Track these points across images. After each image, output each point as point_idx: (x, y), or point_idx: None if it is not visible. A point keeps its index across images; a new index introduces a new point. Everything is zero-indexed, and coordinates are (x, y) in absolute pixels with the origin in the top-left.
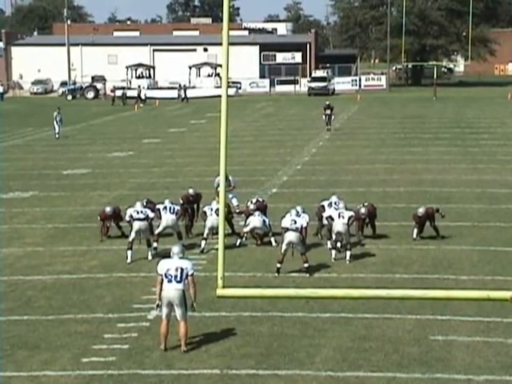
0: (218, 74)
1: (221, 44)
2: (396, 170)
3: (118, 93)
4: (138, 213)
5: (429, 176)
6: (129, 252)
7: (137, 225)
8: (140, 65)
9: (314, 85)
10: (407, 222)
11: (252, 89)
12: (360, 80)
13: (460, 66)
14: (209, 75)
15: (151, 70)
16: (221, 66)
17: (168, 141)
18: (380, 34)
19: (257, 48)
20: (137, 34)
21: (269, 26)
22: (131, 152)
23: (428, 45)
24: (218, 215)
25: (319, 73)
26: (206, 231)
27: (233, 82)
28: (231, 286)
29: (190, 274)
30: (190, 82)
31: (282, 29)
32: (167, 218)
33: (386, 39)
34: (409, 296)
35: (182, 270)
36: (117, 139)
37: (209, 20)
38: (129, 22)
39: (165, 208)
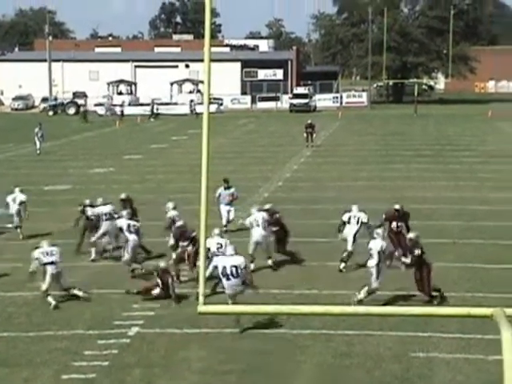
0: (199, 91)
1: (202, 60)
2: (378, 187)
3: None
4: (46, 254)
5: (410, 193)
6: (49, 298)
7: (49, 271)
8: (121, 81)
9: (295, 101)
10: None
11: (234, 105)
12: (341, 97)
13: (441, 83)
14: (190, 91)
15: (133, 87)
16: (202, 82)
17: (149, 157)
18: (361, 51)
19: (238, 64)
20: (118, 50)
21: (251, 42)
22: (112, 168)
23: (409, 62)
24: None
25: (301, 89)
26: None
27: (214, 99)
28: (213, 302)
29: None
30: (171, 98)
31: (264, 46)
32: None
33: (368, 56)
34: (390, 313)
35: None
36: (98, 155)
37: (191, 36)
38: (110, 38)
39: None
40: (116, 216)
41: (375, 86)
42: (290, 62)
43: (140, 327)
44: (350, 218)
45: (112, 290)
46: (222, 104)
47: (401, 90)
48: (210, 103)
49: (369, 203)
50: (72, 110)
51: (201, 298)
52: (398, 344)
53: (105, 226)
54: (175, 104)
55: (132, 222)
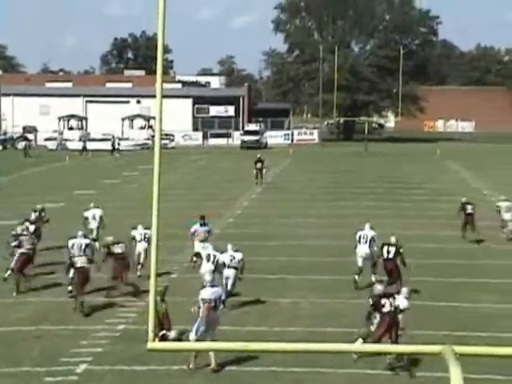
0: (150, 127)
1: (154, 96)
2: (327, 225)
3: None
4: None
5: (354, 230)
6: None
7: None
8: (72, 116)
9: (246, 138)
10: (338, 276)
11: (185, 141)
12: (292, 134)
13: (391, 121)
14: (142, 127)
15: (84, 121)
16: (154, 118)
17: (101, 192)
18: (312, 89)
19: (190, 101)
20: (69, 85)
21: (202, 79)
22: (63, 203)
23: (359, 100)
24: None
25: (252, 126)
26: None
27: (166, 135)
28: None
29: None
30: (122, 134)
31: (216, 82)
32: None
33: (319, 94)
34: (340, 350)
35: (219, 298)
36: (48, 190)
37: (142, 72)
38: (61, 73)
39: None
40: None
41: (326, 123)
42: (241, 99)
43: (88, 364)
44: (360, 238)
45: (61, 326)
46: (173, 140)
47: (351, 127)
48: (161, 139)
49: (319, 240)
50: (21, 145)
51: (150, 335)
52: (349, 382)
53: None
54: (126, 139)
55: None
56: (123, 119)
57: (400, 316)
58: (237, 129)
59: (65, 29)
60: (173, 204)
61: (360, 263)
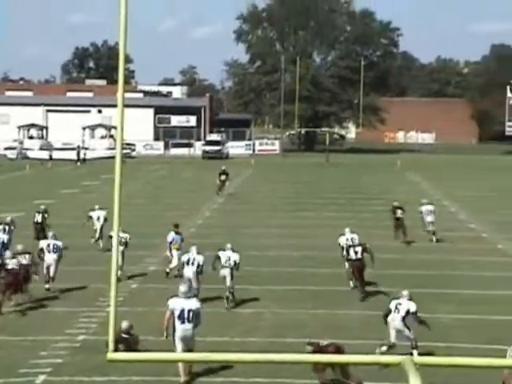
0: (111, 136)
1: (115, 106)
2: (289, 235)
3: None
4: None
5: (321, 241)
6: None
7: None
8: (32, 125)
9: (208, 148)
10: (300, 286)
11: (146, 151)
12: (254, 144)
13: (352, 132)
14: (102, 137)
15: (44, 131)
16: (115, 127)
17: (60, 202)
18: (274, 99)
19: (152, 111)
20: (30, 94)
21: (164, 89)
22: (22, 213)
23: (321, 111)
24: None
25: (214, 136)
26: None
27: (127, 144)
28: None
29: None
30: (83, 143)
31: (177, 92)
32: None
33: (280, 105)
34: (301, 360)
35: (193, 311)
36: (8, 200)
37: (103, 82)
38: (22, 82)
39: (48, 246)
40: None
41: (287, 134)
42: (203, 109)
43: (47, 375)
44: (347, 240)
45: (20, 337)
46: (134, 150)
47: (313, 138)
48: (122, 149)
49: (281, 250)
50: None
51: (111, 345)
52: None
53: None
54: (87, 149)
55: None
56: (84, 128)
57: (412, 321)
58: (198, 139)
59: (25, 37)
60: (133, 213)
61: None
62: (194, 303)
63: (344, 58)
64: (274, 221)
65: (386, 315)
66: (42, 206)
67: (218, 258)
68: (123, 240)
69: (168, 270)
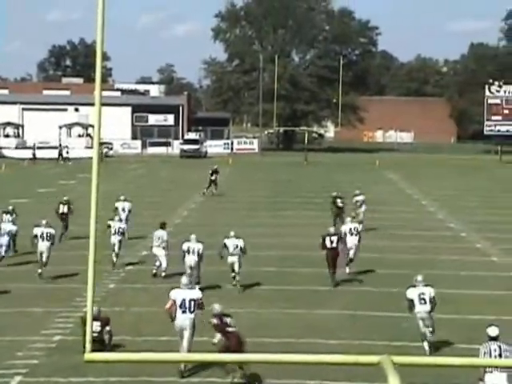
0: (89, 135)
1: (92, 104)
2: (267, 234)
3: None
4: None
5: (299, 240)
6: None
7: None
8: (8, 123)
9: (186, 147)
10: (277, 286)
11: (124, 150)
12: (232, 143)
13: (330, 131)
14: (80, 135)
15: (20, 129)
16: (92, 126)
17: (36, 201)
18: (252, 98)
19: (129, 109)
20: (6, 92)
21: (141, 87)
22: None
23: (299, 110)
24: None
25: (192, 135)
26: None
27: (104, 143)
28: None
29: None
30: (60, 142)
31: (155, 90)
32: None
33: (259, 104)
34: (277, 360)
35: (194, 301)
36: None
37: (80, 80)
38: None
39: (42, 235)
40: None
41: (266, 133)
42: (181, 108)
43: (23, 376)
44: (350, 229)
45: None
46: (111, 148)
47: (291, 137)
48: (100, 147)
49: (259, 250)
50: None
51: (88, 345)
52: None
53: None
54: (65, 147)
55: None
56: (61, 127)
57: (431, 311)
58: (176, 138)
59: (0, 35)
60: (110, 213)
61: (351, 255)
62: (195, 293)
63: (322, 57)
64: (252, 220)
65: (410, 308)
66: (65, 197)
67: (225, 246)
68: (120, 230)
69: (155, 271)
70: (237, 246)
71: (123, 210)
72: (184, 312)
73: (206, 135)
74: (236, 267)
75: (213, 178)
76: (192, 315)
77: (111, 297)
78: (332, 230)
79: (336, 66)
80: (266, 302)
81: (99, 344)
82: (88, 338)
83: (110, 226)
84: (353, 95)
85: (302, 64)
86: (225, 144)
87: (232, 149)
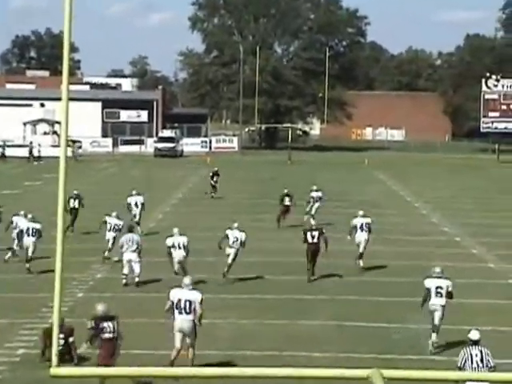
0: (55, 132)
1: (59, 99)
2: (249, 238)
3: None
4: None
5: (281, 245)
6: None
7: None
8: None
9: (160, 145)
10: (258, 295)
11: (93, 148)
12: (210, 141)
13: (316, 128)
14: (46, 133)
15: None
16: (59, 122)
17: None
18: (232, 93)
19: (99, 104)
20: None
21: (112, 81)
22: None
23: (282, 106)
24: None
25: (167, 133)
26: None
27: (72, 141)
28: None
29: (199, 302)
30: (24, 140)
31: (127, 84)
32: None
33: (239, 99)
34: (258, 375)
35: (190, 302)
36: None
37: (46, 73)
38: None
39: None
40: None
41: (247, 130)
42: (155, 103)
43: None
44: (362, 225)
45: None
46: (80, 147)
47: (274, 135)
48: (67, 146)
49: (239, 256)
50: None
51: (54, 359)
52: None
53: None
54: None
55: None
56: (25, 124)
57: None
58: (150, 135)
59: None
60: (79, 216)
61: (361, 249)
62: (193, 294)
63: (307, 49)
64: (230, 223)
65: (425, 299)
66: (75, 192)
67: (227, 237)
68: (116, 227)
69: (125, 281)
70: (237, 239)
71: (136, 204)
72: (180, 313)
73: (182, 133)
74: (230, 259)
75: (214, 180)
76: (189, 317)
77: (79, 306)
78: (313, 223)
79: (322, 58)
80: (246, 311)
81: (64, 357)
82: (54, 351)
83: (105, 222)
84: (340, 89)
85: (286, 56)
86: (202, 142)
87: (210, 147)
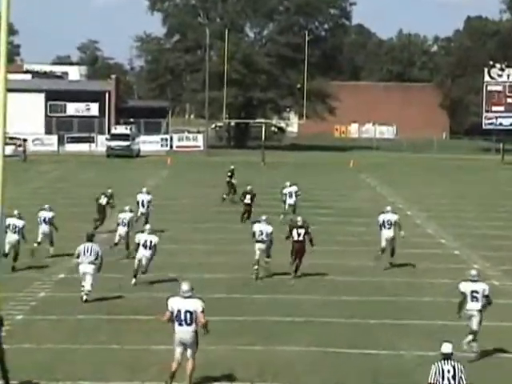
0: None
1: None
2: (216, 251)
3: None
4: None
5: (252, 259)
6: None
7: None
8: None
9: (114, 144)
10: (228, 317)
11: (36, 147)
12: (172, 139)
13: (293, 125)
14: None
15: None
16: None
17: None
18: (196, 83)
19: (42, 96)
20: None
21: (58, 69)
22: None
23: (255, 98)
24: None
25: (121, 129)
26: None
27: (10, 138)
28: None
29: (200, 311)
30: None
31: (75, 73)
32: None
33: (204, 90)
34: None
35: (191, 313)
36: None
37: None
38: None
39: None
40: None
41: (213, 126)
42: (107, 95)
43: None
44: (383, 222)
45: None
46: (20, 145)
47: (245, 132)
48: (5, 143)
49: (204, 271)
50: None
51: None
52: None
53: None
54: None
55: None
56: None
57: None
58: (101, 132)
59: None
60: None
61: (383, 244)
62: (192, 304)
63: (284, 33)
64: (196, 235)
65: (461, 304)
66: (109, 190)
67: (254, 233)
68: (124, 221)
69: (83, 294)
70: (261, 233)
71: (142, 203)
72: (180, 325)
73: (138, 129)
74: (257, 255)
75: (233, 181)
76: (190, 328)
77: (19, 330)
78: (300, 220)
79: (300, 43)
80: (215, 336)
81: None
82: None
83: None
84: (321, 80)
85: (259, 41)
86: (162, 140)
87: (171, 146)
